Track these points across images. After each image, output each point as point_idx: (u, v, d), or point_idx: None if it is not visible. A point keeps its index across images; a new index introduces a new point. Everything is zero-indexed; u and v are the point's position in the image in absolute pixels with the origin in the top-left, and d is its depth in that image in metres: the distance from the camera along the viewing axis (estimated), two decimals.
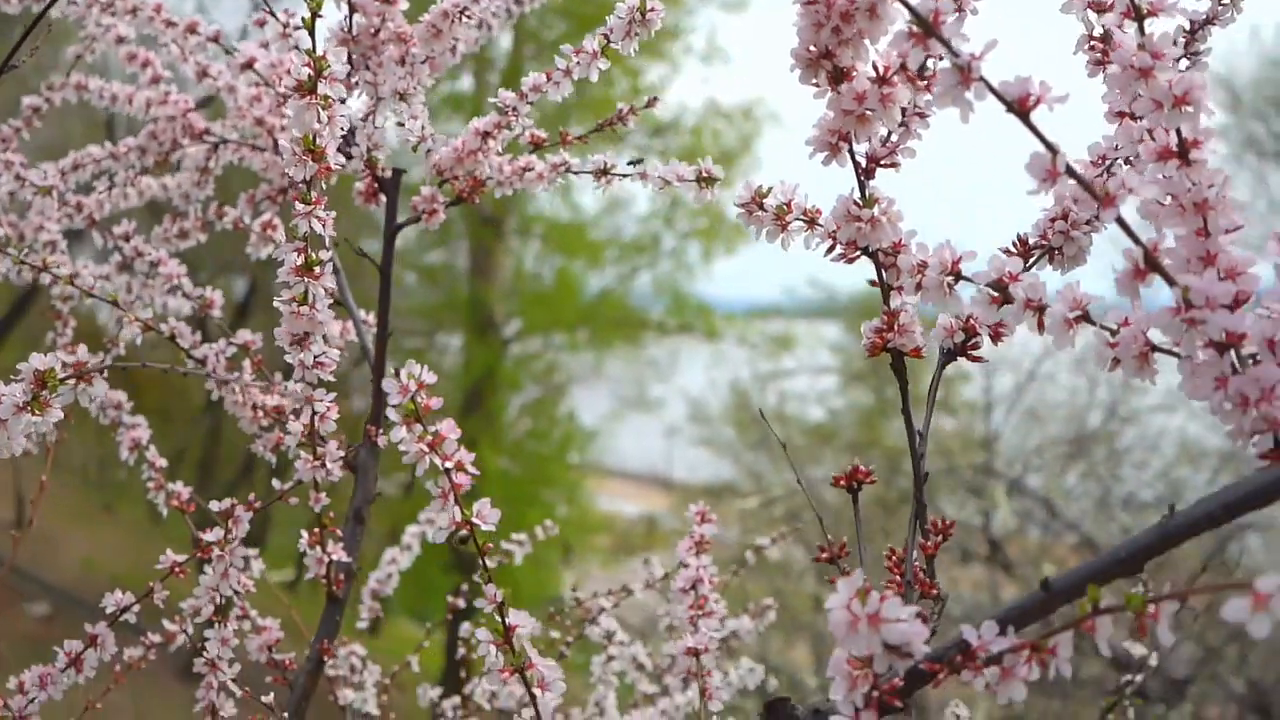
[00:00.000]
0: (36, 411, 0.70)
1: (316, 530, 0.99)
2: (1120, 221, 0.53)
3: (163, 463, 1.12)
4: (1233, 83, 9.26)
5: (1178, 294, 0.52)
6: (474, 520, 0.65)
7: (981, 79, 0.52)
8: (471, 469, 0.65)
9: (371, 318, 1.14)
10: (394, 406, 0.63)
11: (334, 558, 1.00)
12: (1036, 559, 6.71)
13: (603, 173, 0.99)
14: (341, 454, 0.93)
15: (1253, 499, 0.50)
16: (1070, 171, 0.52)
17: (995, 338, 0.69)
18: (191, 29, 1.13)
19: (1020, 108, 0.52)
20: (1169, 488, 7.26)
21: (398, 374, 0.63)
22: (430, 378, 0.64)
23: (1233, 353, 0.54)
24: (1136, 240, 0.53)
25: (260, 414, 1.03)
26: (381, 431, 0.99)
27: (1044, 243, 0.70)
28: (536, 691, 0.66)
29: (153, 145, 1.22)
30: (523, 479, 10.71)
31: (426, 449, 0.63)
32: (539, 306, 11.50)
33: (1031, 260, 0.71)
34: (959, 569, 7.79)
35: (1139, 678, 1.12)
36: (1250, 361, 0.53)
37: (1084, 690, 6.12)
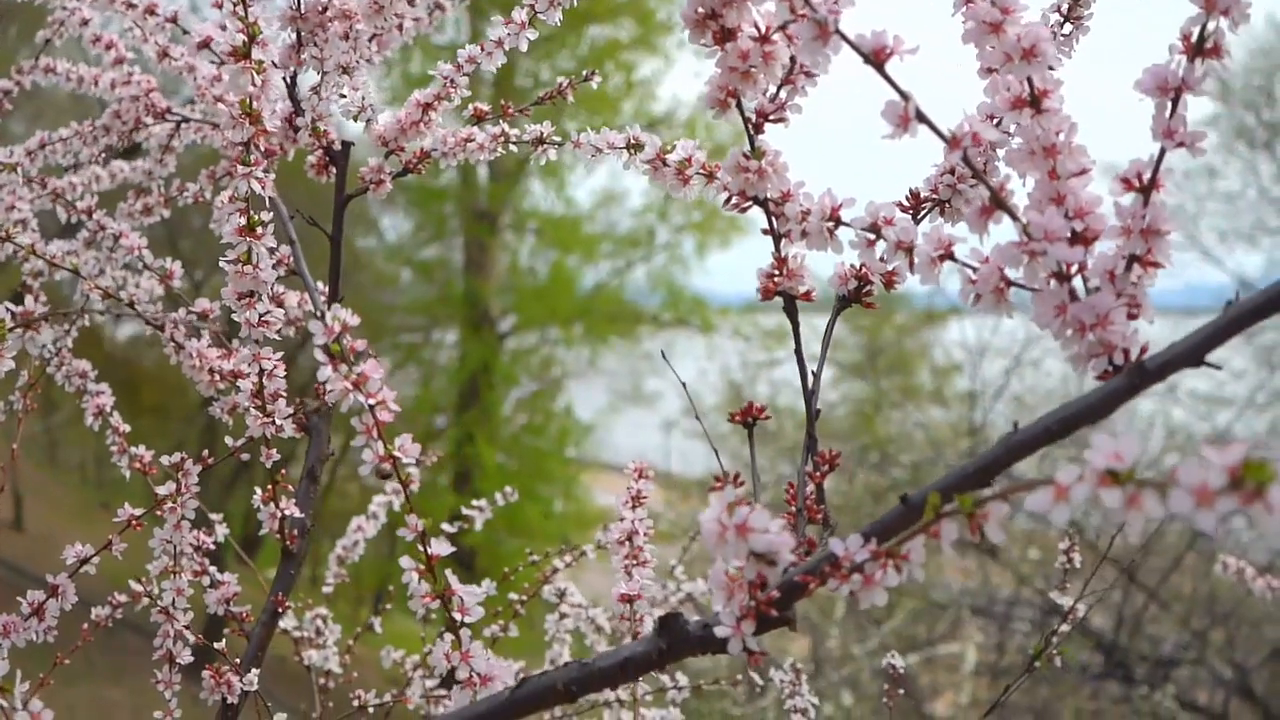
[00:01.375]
0: None
1: (270, 487, 1.04)
2: (968, 162, 0.58)
3: (126, 428, 1.17)
4: (1222, 72, 9.26)
5: (1019, 228, 0.57)
6: (395, 454, 0.70)
7: (838, 32, 0.56)
8: (394, 406, 0.69)
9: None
10: (319, 347, 0.67)
11: (287, 513, 1.04)
12: (1024, 546, 6.77)
13: (539, 142, 1.03)
14: (291, 411, 0.98)
15: (1086, 415, 0.55)
16: (920, 116, 0.57)
17: (888, 285, 0.74)
18: (150, 10, 1.17)
19: (876, 59, 0.57)
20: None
21: (323, 316, 0.67)
22: (354, 320, 0.68)
23: (1078, 282, 0.59)
24: (984, 181, 0.58)
25: (216, 378, 1.08)
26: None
27: (934, 196, 0.75)
28: (457, 616, 0.71)
29: (116, 124, 1.26)
30: (519, 474, 10.76)
31: (351, 387, 0.68)
32: (534, 301, 11.54)
33: (923, 213, 0.75)
34: (954, 561, 7.85)
35: (1065, 628, 1.17)
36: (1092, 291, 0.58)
37: (1070, 677, 6.18)
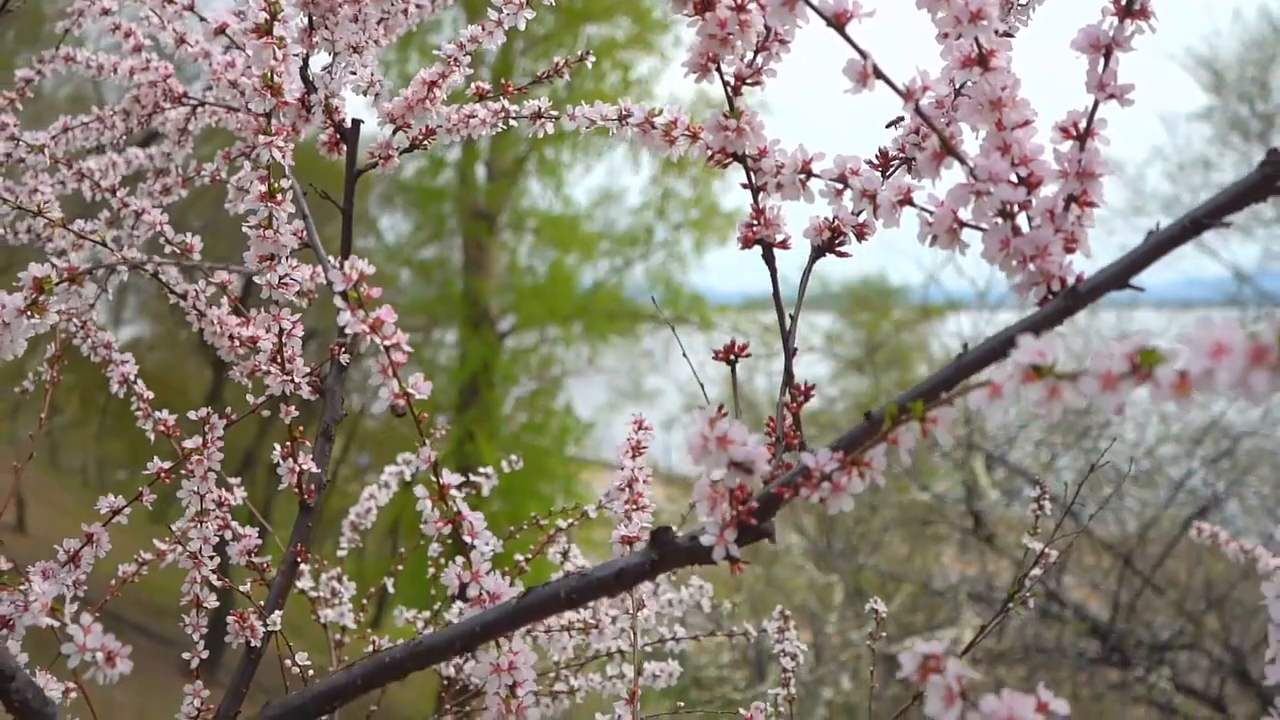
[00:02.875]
0: (35, 314, 0.81)
1: (288, 443, 1.10)
2: (920, 114, 0.64)
3: (149, 394, 1.24)
4: (1215, 64, 9.34)
5: (967, 171, 0.64)
6: (410, 390, 0.77)
7: None
8: (407, 347, 0.76)
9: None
10: (339, 293, 0.74)
11: (305, 469, 1.11)
12: (1021, 533, 6.83)
13: (537, 116, 1.10)
14: (308, 370, 1.05)
15: (1043, 321, 0.62)
16: (878, 73, 0.63)
17: (859, 236, 0.81)
18: None
19: (838, 22, 0.64)
20: (1153, 464, 7.39)
21: (341, 265, 0.74)
22: (370, 269, 0.75)
23: (1023, 220, 0.66)
24: (934, 128, 0.65)
25: (236, 344, 1.15)
26: (345, 350, 1.10)
27: (900, 154, 0.81)
28: (467, 539, 0.78)
29: (136, 109, 1.33)
30: (520, 472, 10.82)
31: (368, 329, 0.75)
32: (533, 300, 11.61)
33: (892, 169, 0.82)
34: (953, 553, 7.93)
35: (1036, 571, 1.23)
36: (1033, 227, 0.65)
37: (1067, 662, 6.25)
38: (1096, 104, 0.65)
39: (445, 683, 1.47)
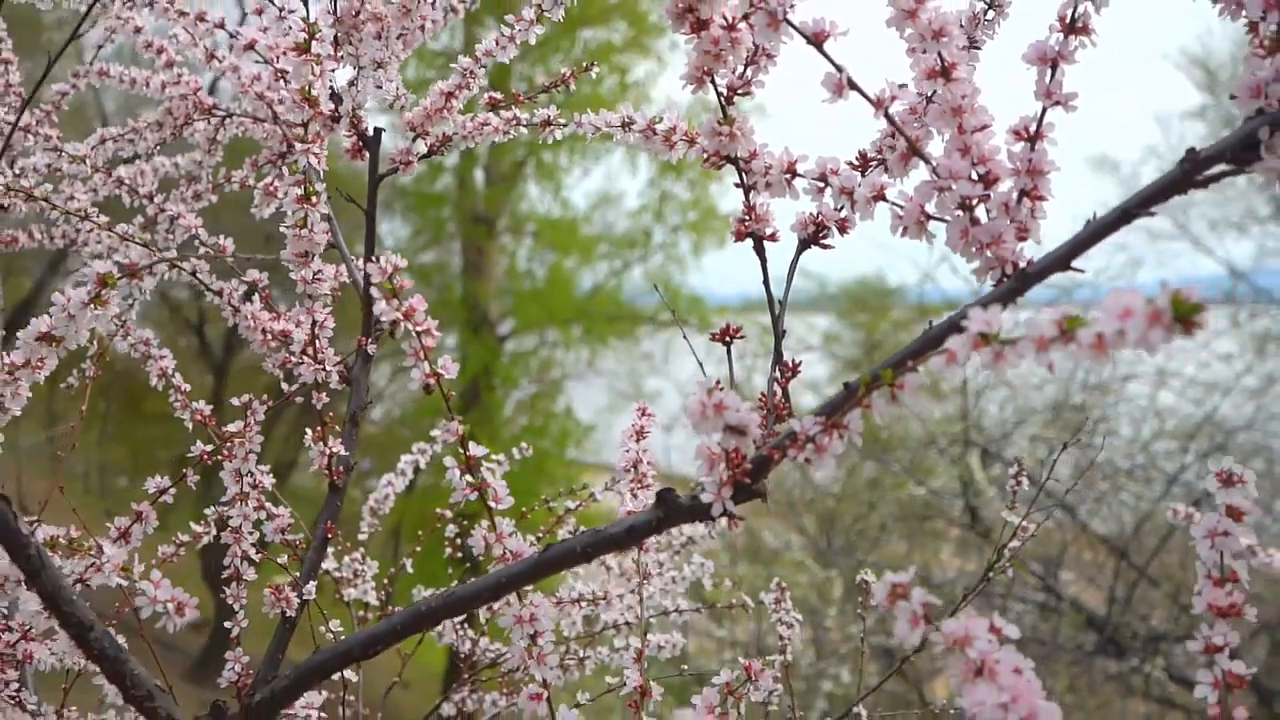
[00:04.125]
0: (98, 306, 0.90)
1: (319, 428, 1.19)
2: (890, 120, 0.74)
3: (186, 386, 1.33)
4: (1209, 63, 9.44)
5: (931, 170, 0.73)
6: (440, 371, 0.86)
7: (786, 20, 0.72)
8: (436, 333, 0.85)
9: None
10: (374, 284, 0.83)
11: (334, 451, 1.20)
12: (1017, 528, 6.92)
13: (546, 124, 1.19)
14: (339, 359, 1.14)
15: (995, 299, 0.71)
16: (852, 84, 0.73)
17: (842, 230, 0.90)
18: (200, 17, 1.33)
19: (816, 40, 0.73)
20: (1148, 459, 7.49)
21: (378, 259, 0.83)
22: (403, 262, 0.84)
23: (982, 213, 0.75)
24: (901, 132, 0.74)
25: (269, 337, 1.24)
26: (372, 340, 1.19)
27: (878, 156, 0.91)
28: (492, 504, 0.87)
29: (169, 120, 1.42)
30: (521, 474, 10.92)
31: (403, 317, 0.84)
32: (533, 303, 11.69)
33: (871, 170, 0.91)
34: (951, 549, 8.02)
35: (1015, 544, 1.32)
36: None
37: (1063, 655, 6.33)
38: (1045, 110, 0.74)
39: (462, 658, 1.56)
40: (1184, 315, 0.49)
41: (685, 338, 1.15)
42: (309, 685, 0.88)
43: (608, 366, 12.51)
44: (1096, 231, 0.68)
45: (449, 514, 1.63)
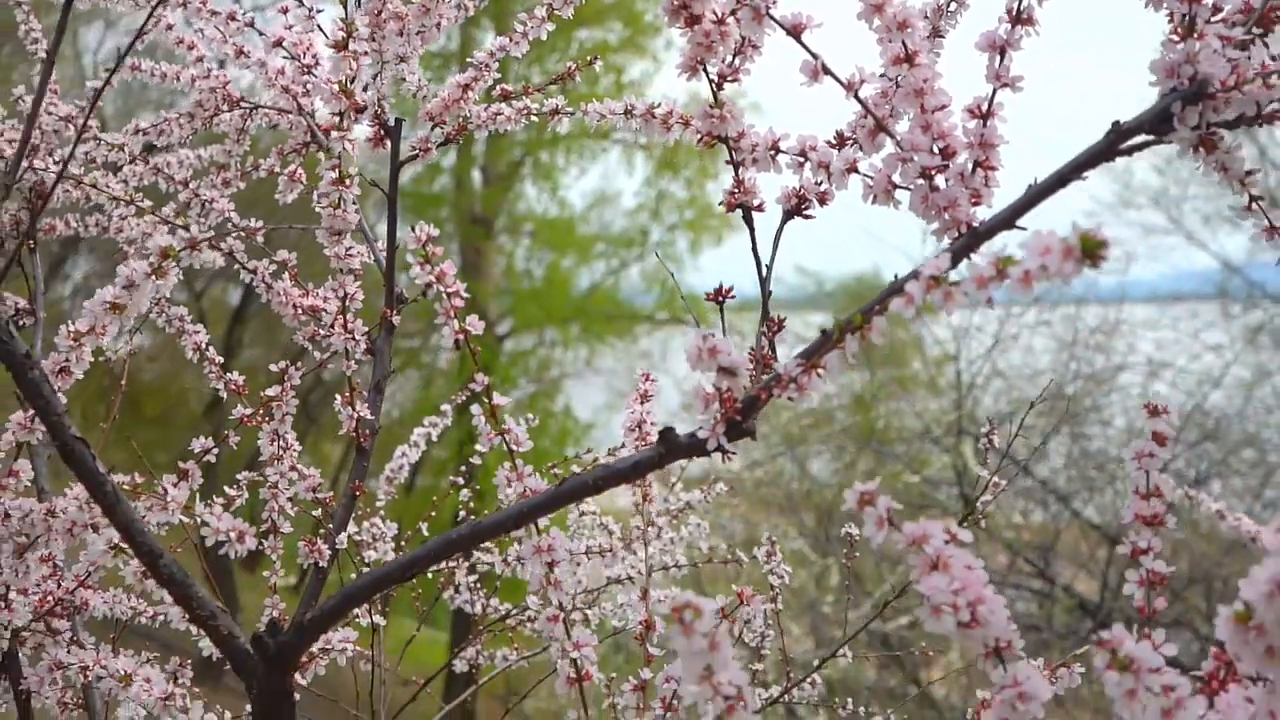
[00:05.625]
0: (159, 277, 1.01)
1: (348, 394, 1.30)
2: (860, 101, 0.85)
3: (220, 359, 1.43)
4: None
5: (895, 144, 0.84)
6: (467, 328, 0.96)
7: (769, 14, 0.83)
8: (464, 294, 0.96)
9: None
10: (410, 250, 0.94)
11: (361, 415, 1.31)
12: (1010, 516, 7.05)
13: (554, 113, 1.30)
14: (367, 329, 1.24)
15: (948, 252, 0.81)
16: (826, 70, 0.84)
17: (822, 202, 1.00)
18: (231, 16, 1.44)
19: (795, 31, 0.84)
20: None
21: (413, 228, 0.94)
22: (435, 231, 0.95)
23: (941, 181, 0.86)
24: (870, 112, 0.85)
25: (299, 311, 1.35)
26: (396, 313, 1.30)
27: (852, 135, 1.01)
28: (513, 446, 0.98)
29: (199, 112, 1.53)
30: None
31: (434, 279, 0.95)
32: (531, 303, 11.80)
33: (845, 147, 1.02)
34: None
35: (987, 497, 1.43)
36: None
37: (1058, 641, 6.45)
38: (995, 91, 0.85)
39: (477, 616, 1.66)
40: (1091, 250, 0.60)
41: (696, 322, 1.26)
42: (354, 605, 0.98)
43: (606, 365, 12.61)
44: (1036, 195, 0.79)
45: (461, 481, 1.74)
